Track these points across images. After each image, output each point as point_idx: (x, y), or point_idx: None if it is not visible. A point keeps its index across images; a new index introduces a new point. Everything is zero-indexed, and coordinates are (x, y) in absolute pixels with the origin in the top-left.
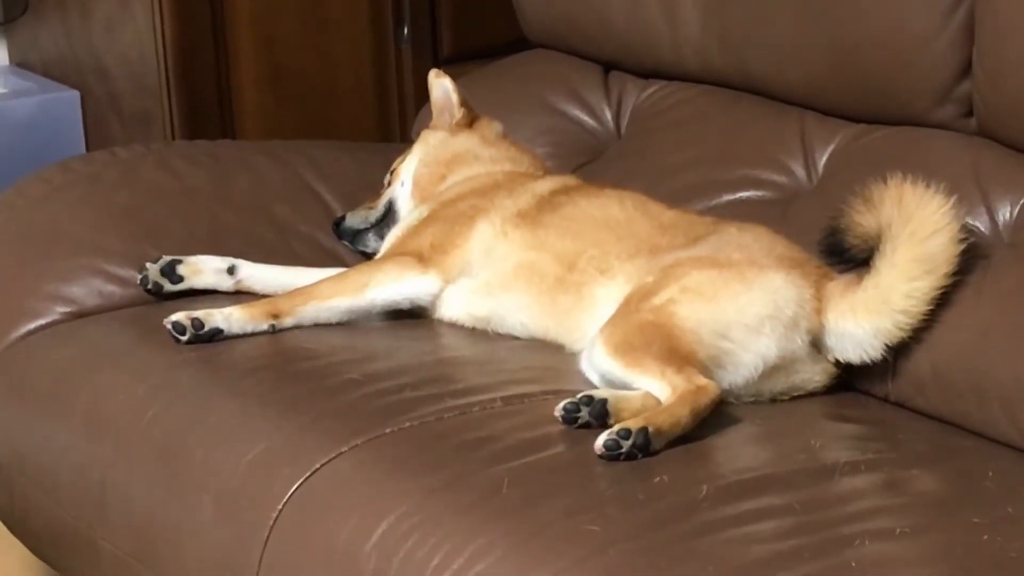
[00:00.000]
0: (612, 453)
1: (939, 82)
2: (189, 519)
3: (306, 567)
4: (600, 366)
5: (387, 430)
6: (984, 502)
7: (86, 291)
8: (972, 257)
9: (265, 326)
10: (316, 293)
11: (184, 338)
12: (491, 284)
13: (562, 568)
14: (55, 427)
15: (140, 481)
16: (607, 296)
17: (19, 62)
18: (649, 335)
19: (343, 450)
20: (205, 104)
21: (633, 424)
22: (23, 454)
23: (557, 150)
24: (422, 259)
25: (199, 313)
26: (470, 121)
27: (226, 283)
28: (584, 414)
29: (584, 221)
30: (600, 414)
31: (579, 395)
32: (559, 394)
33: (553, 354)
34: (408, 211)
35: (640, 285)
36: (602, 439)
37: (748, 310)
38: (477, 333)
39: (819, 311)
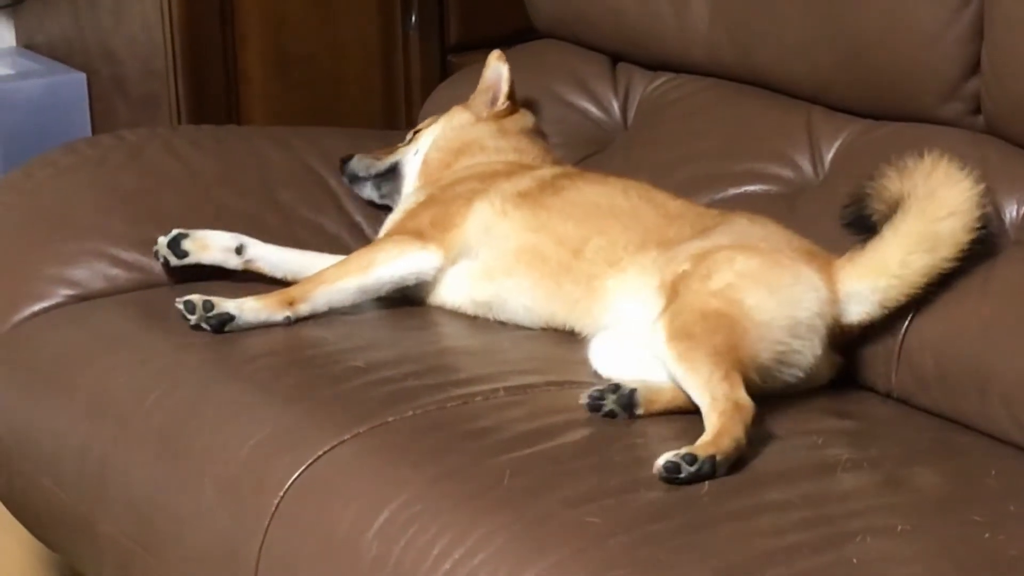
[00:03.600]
0: (671, 476)
1: (947, 78)
2: (190, 504)
3: (307, 554)
4: (658, 352)
5: (389, 419)
6: (986, 500)
7: (90, 274)
8: (978, 253)
9: (280, 317)
10: (324, 278)
11: (193, 318)
12: (492, 267)
13: (562, 558)
14: (57, 409)
15: (141, 465)
16: (618, 288)
17: (26, 44)
18: (713, 324)
19: (345, 438)
20: (212, 88)
21: (701, 452)
22: (24, 436)
23: (563, 140)
24: (422, 236)
25: (213, 297)
26: (507, 114)
27: (233, 261)
28: (609, 402)
29: (588, 207)
30: (628, 404)
31: (607, 383)
32: (562, 385)
33: (557, 344)
34: (411, 186)
35: (678, 273)
36: (663, 460)
37: (804, 306)
38: (480, 324)
39: (836, 302)
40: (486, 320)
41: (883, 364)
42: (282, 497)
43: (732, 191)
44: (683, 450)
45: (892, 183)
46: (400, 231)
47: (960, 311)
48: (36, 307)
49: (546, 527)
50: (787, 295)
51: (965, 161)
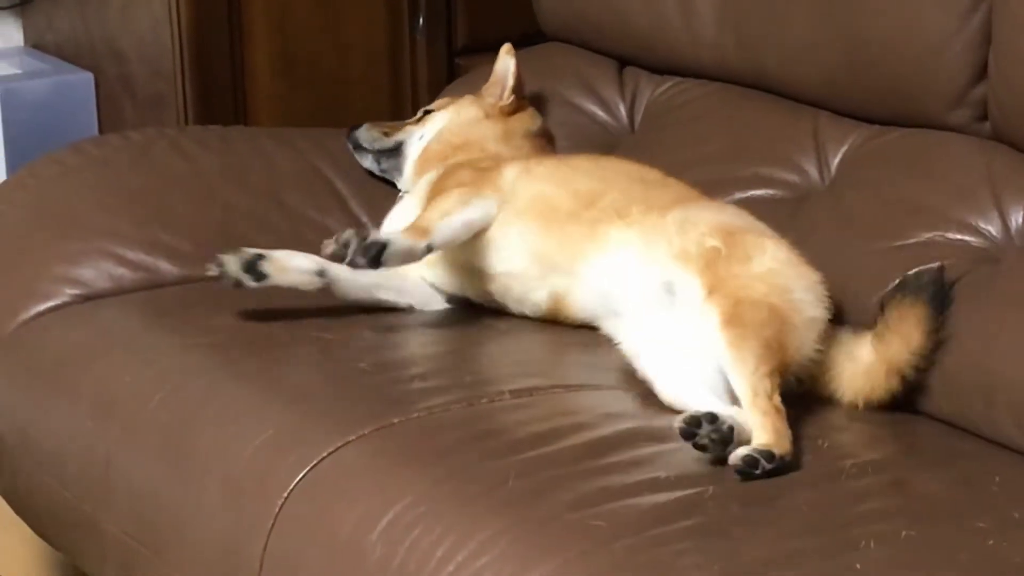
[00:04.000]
0: (749, 470)
1: (954, 85)
2: (194, 503)
3: (311, 554)
4: (708, 335)
5: (395, 420)
6: (990, 507)
7: (96, 274)
8: (982, 260)
9: (422, 245)
10: (437, 213)
11: (348, 252)
12: (505, 214)
13: (566, 561)
14: (62, 408)
15: (146, 464)
16: (620, 238)
17: (34, 43)
18: (765, 316)
19: (350, 438)
20: (219, 89)
21: (778, 450)
22: (29, 434)
23: (570, 143)
24: (468, 188)
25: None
26: (514, 110)
27: (314, 283)
28: (705, 432)
29: (614, 170)
30: (724, 439)
31: (702, 411)
32: (568, 388)
33: (563, 348)
34: (409, 169)
35: (708, 248)
36: (742, 453)
37: (820, 305)
38: (486, 326)
39: None
40: (492, 322)
41: None
42: (286, 498)
43: (738, 195)
44: (758, 445)
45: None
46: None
47: (964, 318)
48: (42, 306)
49: (550, 530)
50: (818, 293)
51: (970, 168)
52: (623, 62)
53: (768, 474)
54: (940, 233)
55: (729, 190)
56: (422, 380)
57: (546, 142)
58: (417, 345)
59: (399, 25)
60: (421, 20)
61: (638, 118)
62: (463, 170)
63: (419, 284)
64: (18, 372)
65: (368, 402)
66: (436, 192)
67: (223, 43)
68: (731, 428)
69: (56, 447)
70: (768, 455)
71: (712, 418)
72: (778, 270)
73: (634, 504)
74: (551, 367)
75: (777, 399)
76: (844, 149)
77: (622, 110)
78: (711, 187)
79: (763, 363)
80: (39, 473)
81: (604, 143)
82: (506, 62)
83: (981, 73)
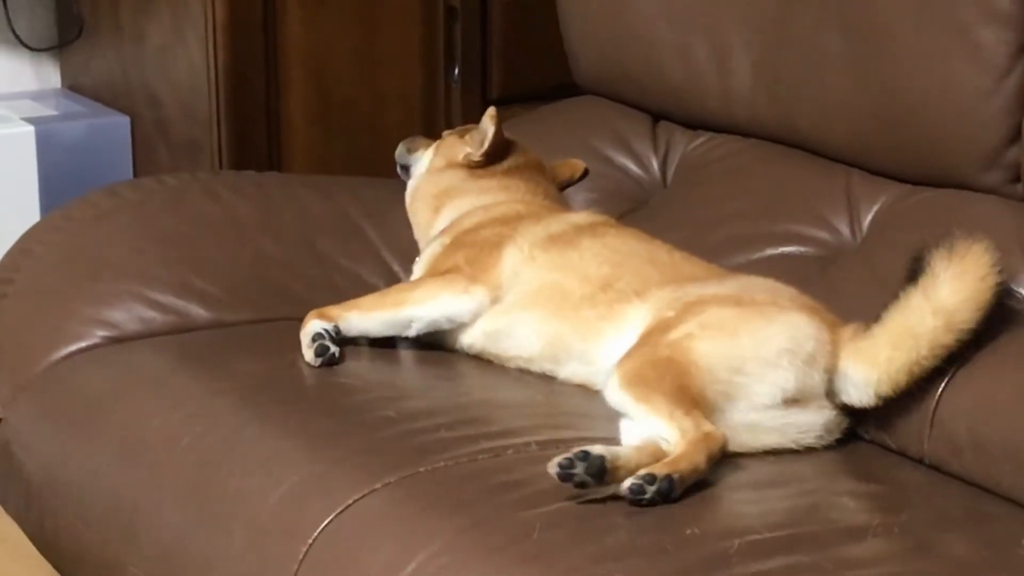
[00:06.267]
0: (636, 497)
1: (988, 146)
2: (219, 548)
3: None
4: (612, 398)
5: (420, 469)
6: (1016, 569)
7: (127, 316)
8: (1014, 323)
9: (319, 327)
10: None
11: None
12: (512, 304)
13: None
14: (89, 450)
15: (171, 507)
16: (635, 315)
17: (71, 85)
18: (662, 370)
19: (376, 487)
20: (254, 135)
21: (658, 470)
22: (56, 474)
23: (602, 196)
24: (464, 275)
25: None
26: (485, 165)
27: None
28: (580, 470)
29: (626, 251)
30: (598, 472)
31: (573, 452)
32: (594, 440)
33: (589, 400)
34: (408, 202)
35: (661, 319)
36: (628, 483)
37: (767, 344)
38: (513, 376)
39: (835, 354)
40: (519, 372)
41: (916, 429)
42: (311, 544)
43: (769, 251)
44: (643, 471)
45: (936, 263)
46: (433, 274)
47: (995, 378)
48: (72, 347)
49: None
50: (746, 338)
51: (1002, 230)
52: (657, 116)
53: (660, 494)
54: None
55: (761, 247)
56: (449, 429)
57: (526, 181)
58: (444, 394)
59: (435, 74)
60: (457, 70)
61: (671, 173)
62: (463, 249)
63: None
64: (47, 412)
65: (394, 450)
66: (434, 268)
67: (259, 89)
68: (601, 457)
69: (83, 488)
70: (650, 478)
71: (584, 455)
72: (693, 333)
73: (657, 561)
74: (578, 419)
75: (708, 426)
76: (876, 207)
77: (655, 164)
78: (743, 243)
79: (677, 406)
80: (65, 513)
81: (636, 197)
82: (485, 125)
83: (1015, 135)
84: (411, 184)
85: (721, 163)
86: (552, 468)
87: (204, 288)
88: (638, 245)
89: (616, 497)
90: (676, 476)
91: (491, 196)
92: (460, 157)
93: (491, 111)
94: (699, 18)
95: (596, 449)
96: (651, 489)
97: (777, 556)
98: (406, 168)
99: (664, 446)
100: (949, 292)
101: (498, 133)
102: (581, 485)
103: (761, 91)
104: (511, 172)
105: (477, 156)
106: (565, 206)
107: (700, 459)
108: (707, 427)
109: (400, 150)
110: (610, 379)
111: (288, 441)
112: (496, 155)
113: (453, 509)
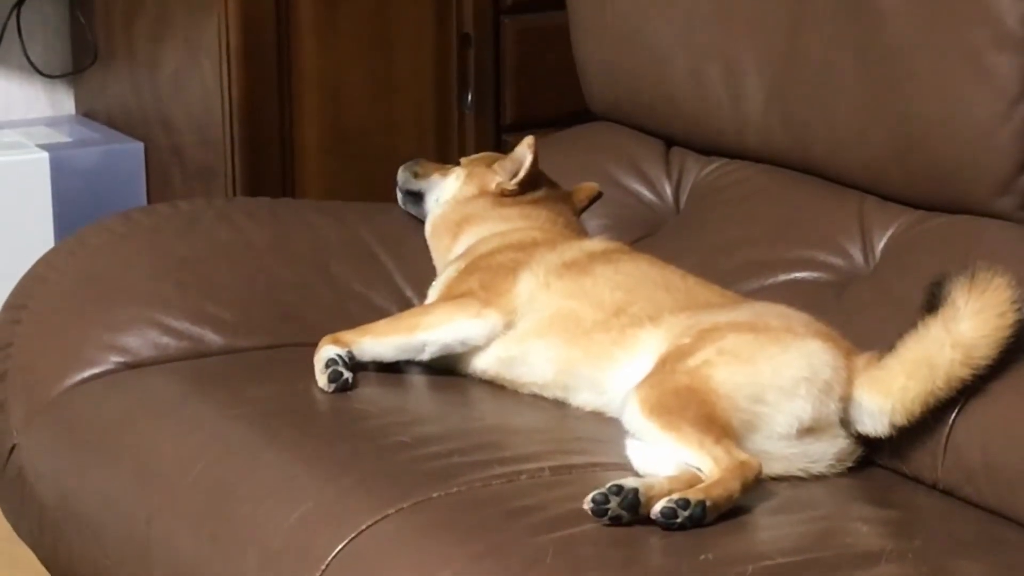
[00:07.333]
0: (668, 521)
1: (1001, 173)
2: (233, 573)
3: None
4: (633, 426)
5: (434, 494)
6: None
7: (141, 342)
8: None
9: (332, 353)
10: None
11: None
12: (526, 331)
13: None
14: (104, 475)
15: (186, 533)
16: (649, 341)
17: (85, 112)
18: (685, 399)
19: (389, 512)
20: (268, 161)
21: (692, 496)
22: (71, 500)
23: (615, 222)
24: (477, 298)
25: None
26: (516, 194)
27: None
28: (614, 504)
29: (639, 277)
30: (632, 505)
31: (608, 484)
32: (607, 466)
33: (602, 425)
34: (428, 232)
35: (677, 346)
36: (660, 505)
37: (784, 372)
38: (526, 401)
39: (851, 381)
40: (532, 397)
41: (930, 455)
42: (324, 570)
43: (782, 277)
44: (676, 495)
45: (954, 284)
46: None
47: (1008, 404)
48: (87, 373)
49: None
50: (764, 365)
51: (1015, 256)
52: (670, 142)
53: (692, 520)
54: None
55: (774, 272)
56: (462, 455)
57: (548, 210)
58: (457, 419)
59: (448, 101)
60: (470, 96)
61: (683, 198)
62: (478, 273)
63: None
64: (61, 438)
65: (408, 476)
66: (448, 292)
67: (273, 116)
68: (635, 491)
69: (97, 514)
70: (684, 503)
71: (617, 490)
72: (712, 360)
73: None
74: (592, 444)
75: (742, 454)
76: (889, 233)
77: (668, 190)
78: (756, 269)
79: (706, 434)
80: (79, 539)
81: (649, 223)
82: (523, 152)
83: None
84: (435, 211)
85: (734, 189)
86: (587, 504)
87: (218, 314)
88: (651, 271)
89: (635, 522)
90: (709, 502)
91: (511, 224)
92: (492, 186)
93: (529, 139)
94: (712, 44)
95: (629, 482)
96: (683, 514)
97: None
98: (412, 194)
99: (700, 474)
100: (969, 327)
101: (535, 163)
102: (616, 519)
103: (774, 117)
104: (536, 202)
105: (511, 185)
106: (584, 235)
107: (735, 486)
108: (742, 455)
109: (404, 176)
110: (628, 405)
111: (302, 467)
112: (529, 185)
113: (467, 535)
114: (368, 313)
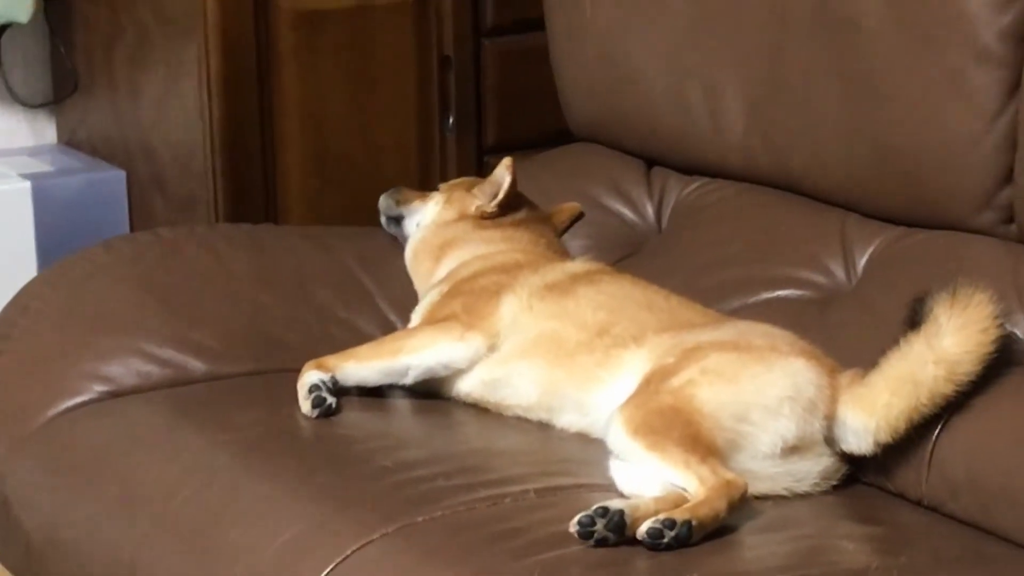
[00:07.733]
0: (654, 541)
1: (981, 188)
2: None
3: None
4: (618, 446)
5: (419, 519)
6: None
7: (124, 370)
8: (1012, 363)
9: (315, 378)
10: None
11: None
12: (509, 353)
13: None
14: (88, 504)
15: (171, 561)
16: (633, 361)
17: (67, 140)
18: (669, 419)
19: (374, 537)
20: (250, 188)
21: (678, 516)
22: (56, 529)
23: (597, 242)
24: (460, 322)
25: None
26: (496, 216)
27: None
28: (600, 527)
29: (622, 298)
30: (617, 527)
31: (593, 506)
32: (592, 488)
33: (587, 446)
34: (409, 257)
35: (660, 365)
36: (646, 526)
37: (768, 391)
38: (510, 424)
39: (835, 399)
40: (516, 420)
41: (914, 471)
42: None
43: (765, 295)
44: (662, 516)
45: (936, 300)
46: (430, 321)
47: (991, 419)
48: (70, 402)
49: None
50: (748, 384)
51: (996, 271)
52: (651, 162)
53: (678, 540)
54: None
55: (756, 290)
56: (446, 478)
57: (530, 232)
58: (441, 443)
59: (430, 124)
60: (451, 119)
61: (665, 218)
62: (460, 296)
63: None
64: (45, 468)
65: (392, 500)
66: (431, 316)
67: (255, 142)
68: (620, 512)
69: (82, 542)
70: (670, 523)
71: (603, 511)
72: (695, 379)
73: None
74: (576, 466)
75: (728, 473)
76: (871, 250)
77: (649, 210)
78: (738, 287)
79: (692, 453)
80: (66, 567)
81: (631, 243)
82: (502, 174)
83: (1008, 176)
84: (415, 235)
85: (716, 208)
86: (573, 527)
87: (201, 341)
88: (634, 291)
89: (621, 543)
90: (695, 522)
91: (492, 246)
92: (472, 209)
93: (507, 161)
94: (692, 64)
95: (615, 504)
96: (670, 534)
97: None
98: (394, 219)
99: (685, 494)
100: (952, 343)
101: (514, 183)
102: (602, 542)
103: (755, 136)
104: (517, 224)
105: (490, 207)
106: (566, 256)
107: (721, 506)
108: (727, 474)
109: (386, 202)
110: (612, 425)
111: (286, 492)
112: (509, 207)
113: (452, 558)
114: (351, 338)
